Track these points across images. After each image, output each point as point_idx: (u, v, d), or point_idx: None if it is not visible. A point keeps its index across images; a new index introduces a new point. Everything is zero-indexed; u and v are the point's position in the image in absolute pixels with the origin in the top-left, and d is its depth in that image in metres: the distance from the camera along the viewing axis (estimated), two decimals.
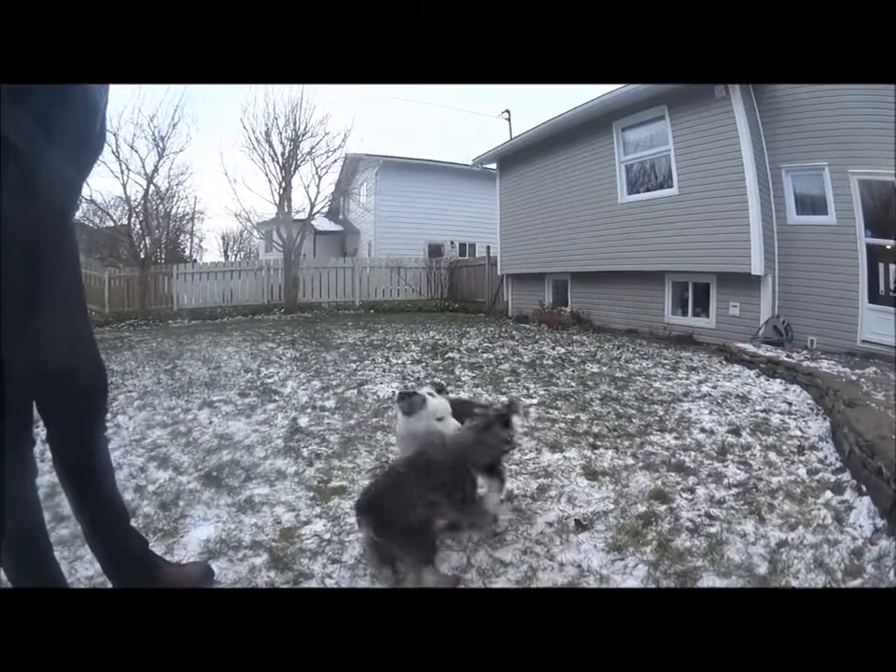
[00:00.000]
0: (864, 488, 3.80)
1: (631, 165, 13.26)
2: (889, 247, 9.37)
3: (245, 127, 20.84)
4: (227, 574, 2.70)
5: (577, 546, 3.09)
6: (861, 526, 3.32)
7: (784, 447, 4.93)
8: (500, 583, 2.71)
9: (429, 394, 3.25)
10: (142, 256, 19.77)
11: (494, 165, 19.10)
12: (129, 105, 22.79)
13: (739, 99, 10.53)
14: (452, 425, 3.14)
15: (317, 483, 3.85)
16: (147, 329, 15.30)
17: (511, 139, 18.30)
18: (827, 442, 5.04)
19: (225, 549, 2.93)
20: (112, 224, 20.98)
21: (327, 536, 3.11)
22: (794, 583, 2.71)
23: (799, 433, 5.35)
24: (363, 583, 2.65)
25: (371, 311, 19.43)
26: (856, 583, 2.73)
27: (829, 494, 3.85)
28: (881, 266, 9.60)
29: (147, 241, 20.96)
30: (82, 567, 2.72)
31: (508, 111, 27.34)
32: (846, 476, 4.17)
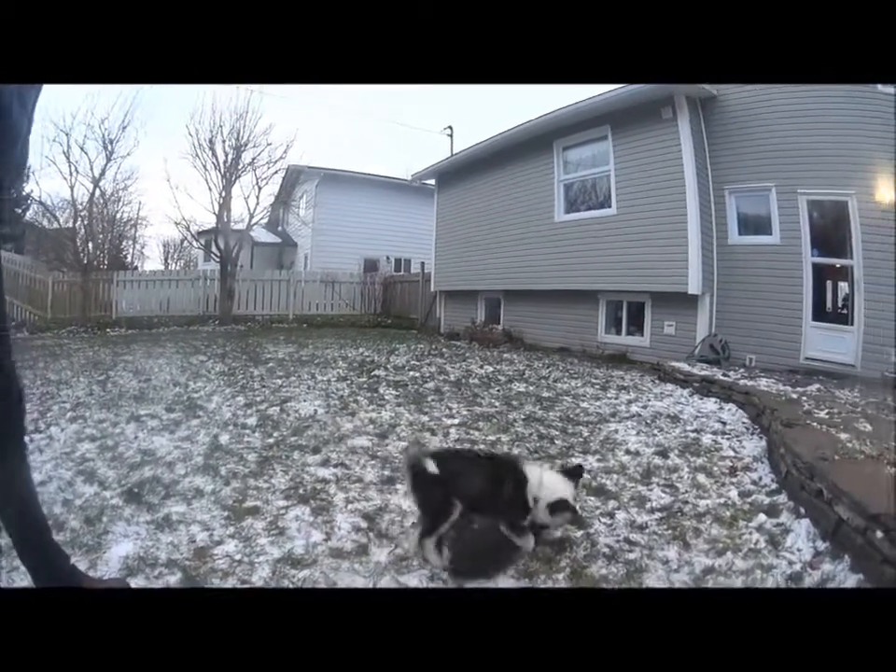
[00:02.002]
0: (803, 510, 3.64)
1: (570, 184, 13.18)
2: (837, 266, 9.57)
3: (190, 133, 20.21)
4: None
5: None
6: (798, 550, 3.20)
7: (715, 468, 4.68)
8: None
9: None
10: (85, 261, 19.46)
11: (433, 181, 18.95)
12: (83, 107, 22.32)
13: (686, 121, 10.52)
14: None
15: (232, 502, 3.82)
16: (87, 336, 15.12)
17: (452, 155, 18.24)
18: (762, 463, 4.79)
19: (143, 566, 2.91)
20: (58, 227, 20.81)
21: (238, 556, 3.06)
22: None
23: (732, 453, 5.09)
24: None
25: (305, 325, 19.13)
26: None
27: (762, 517, 3.65)
28: (829, 284, 9.83)
29: (91, 245, 20.83)
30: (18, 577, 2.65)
31: (450, 127, 27.39)
32: (782, 498, 3.96)
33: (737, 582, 2.85)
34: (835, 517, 3.19)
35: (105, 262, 25.00)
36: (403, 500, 3.80)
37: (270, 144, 20.67)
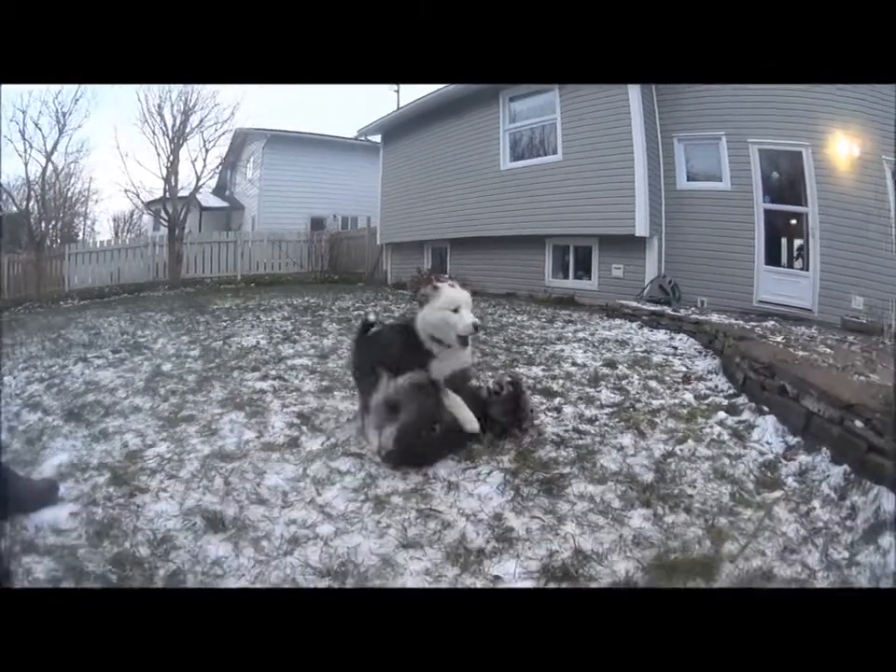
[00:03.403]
0: (766, 409, 3.57)
1: (516, 133, 12.93)
2: (793, 221, 9.53)
3: (139, 100, 19.46)
4: (72, 491, 2.72)
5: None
6: (768, 443, 3.18)
7: (667, 378, 4.55)
8: (334, 491, 2.69)
9: (450, 285, 3.21)
10: (38, 240, 18.99)
11: (379, 138, 18.45)
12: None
13: None
14: (467, 318, 3.03)
15: (168, 414, 3.87)
16: (42, 311, 14.76)
17: (397, 109, 17.74)
18: (717, 375, 4.65)
19: (74, 471, 2.98)
20: (15, 209, 20.14)
21: (168, 455, 3.14)
22: (691, 492, 2.60)
23: (684, 369, 4.93)
24: (195, 495, 2.65)
25: (252, 284, 18.57)
26: (775, 494, 2.63)
27: (722, 414, 3.63)
28: (784, 231, 9.78)
29: (44, 225, 20.36)
30: None
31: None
32: (742, 399, 3.89)
33: (704, 466, 2.85)
34: (804, 411, 3.14)
35: (58, 240, 24.37)
36: (340, 403, 3.86)
37: (217, 104, 20.23)
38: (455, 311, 3.00)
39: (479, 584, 2.04)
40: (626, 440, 3.17)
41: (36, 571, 2.07)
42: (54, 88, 21.65)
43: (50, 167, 19.44)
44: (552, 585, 2.03)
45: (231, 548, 2.15)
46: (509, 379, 3.36)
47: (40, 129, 18.17)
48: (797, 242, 9.65)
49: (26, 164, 18.30)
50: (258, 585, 2.05)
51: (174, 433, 3.45)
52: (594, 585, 2.04)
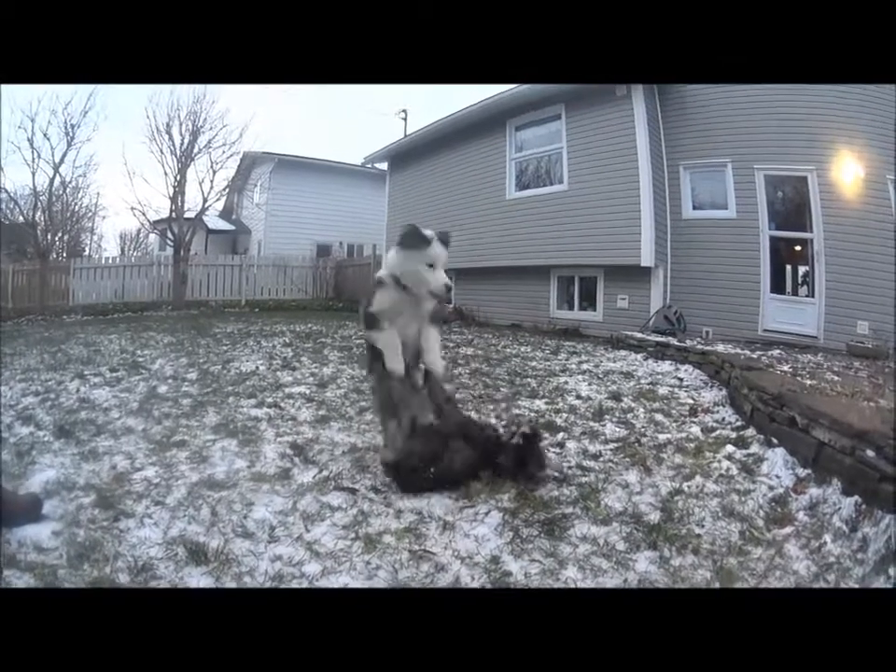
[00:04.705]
0: (776, 441, 3.48)
1: (522, 162, 12.96)
2: (797, 240, 9.55)
3: (148, 116, 19.87)
4: (56, 510, 2.70)
5: (419, 496, 2.90)
6: (777, 476, 3.09)
7: (673, 411, 4.47)
8: (324, 527, 2.59)
9: (439, 240, 3.17)
10: (44, 250, 18.96)
11: (385, 165, 18.58)
12: (48, 91, 21.57)
13: (641, 98, 10.31)
14: (441, 278, 3.05)
15: (160, 437, 3.84)
16: (45, 323, 14.84)
17: (404, 137, 17.94)
18: (724, 407, 4.58)
19: (60, 489, 2.95)
20: (22, 219, 20.10)
21: (156, 480, 3.09)
22: (699, 531, 2.50)
23: (691, 400, 4.84)
24: (180, 524, 2.60)
25: (256, 309, 18.72)
26: (786, 531, 2.53)
27: (730, 448, 3.53)
28: (789, 257, 9.85)
29: (50, 236, 20.16)
30: None
31: (405, 111, 26.81)
32: (750, 432, 3.81)
33: (712, 503, 2.77)
34: (814, 441, 3.03)
35: (65, 253, 24.69)
36: (336, 434, 3.84)
37: (226, 126, 20.45)
38: (431, 266, 3.04)
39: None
40: (632, 476, 3.11)
41: (18, 587, 2.02)
42: (63, 97, 22.16)
43: (58, 179, 19.39)
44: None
45: (212, 581, 2.06)
46: (526, 430, 3.13)
47: (48, 139, 18.24)
48: (802, 268, 9.68)
49: (34, 174, 18.35)
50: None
51: (163, 458, 3.42)
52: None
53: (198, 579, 2.10)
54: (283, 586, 2.12)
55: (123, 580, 2.08)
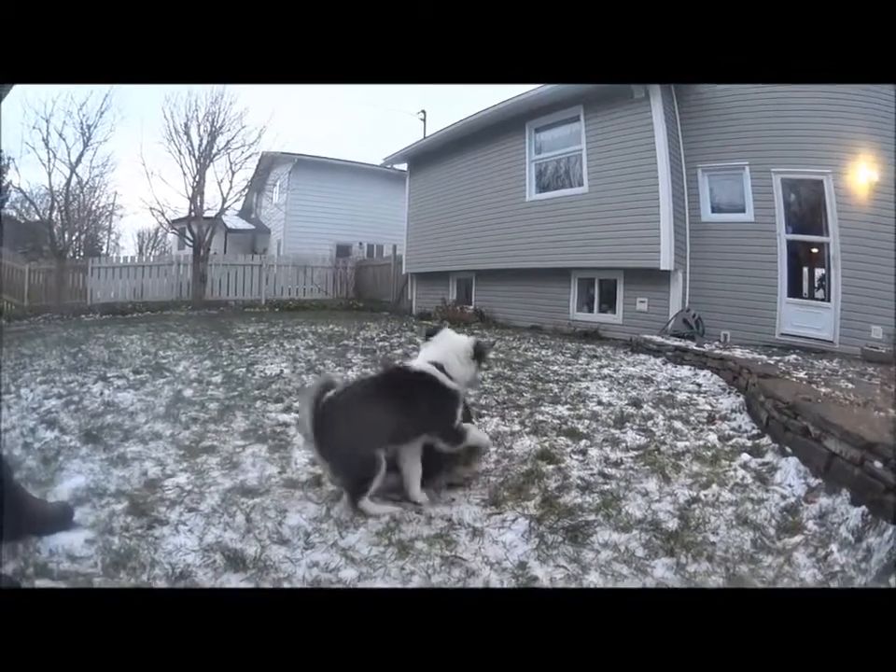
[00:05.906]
0: (789, 450, 3.56)
1: (541, 164, 12.98)
2: (813, 243, 9.54)
3: (165, 117, 19.92)
4: (88, 517, 2.71)
5: (448, 502, 2.99)
6: (790, 486, 3.15)
7: (692, 418, 4.56)
8: (358, 534, 2.63)
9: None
10: (61, 249, 18.98)
11: (405, 165, 18.60)
12: (63, 92, 21.73)
13: (659, 101, 10.33)
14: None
15: (189, 443, 3.87)
16: (62, 322, 14.81)
17: (424, 138, 17.95)
18: (741, 414, 4.67)
19: (91, 496, 2.96)
20: (38, 217, 20.25)
21: (188, 487, 3.11)
22: (713, 539, 2.57)
23: (709, 407, 4.94)
24: (215, 531, 2.62)
25: (277, 309, 18.71)
26: (795, 539, 2.58)
27: (746, 456, 3.64)
28: (805, 261, 9.82)
29: (67, 235, 20.20)
30: None
31: (424, 111, 27.02)
32: (765, 440, 3.90)
33: (727, 512, 2.84)
34: (826, 452, 3.11)
35: (81, 252, 24.75)
36: None
37: (244, 127, 20.35)
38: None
39: None
40: (651, 484, 3.17)
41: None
42: (78, 98, 21.84)
43: (75, 179, 19.55)
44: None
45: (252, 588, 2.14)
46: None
47: (64, 139, 18.39)
48: (818, 272, 9.67)
49: (49, 174, 18.52)
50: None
51: (194, 464, 3.46)
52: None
53: (237, 585, 2.17)
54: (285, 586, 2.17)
55: (161, 587, 2.14)
